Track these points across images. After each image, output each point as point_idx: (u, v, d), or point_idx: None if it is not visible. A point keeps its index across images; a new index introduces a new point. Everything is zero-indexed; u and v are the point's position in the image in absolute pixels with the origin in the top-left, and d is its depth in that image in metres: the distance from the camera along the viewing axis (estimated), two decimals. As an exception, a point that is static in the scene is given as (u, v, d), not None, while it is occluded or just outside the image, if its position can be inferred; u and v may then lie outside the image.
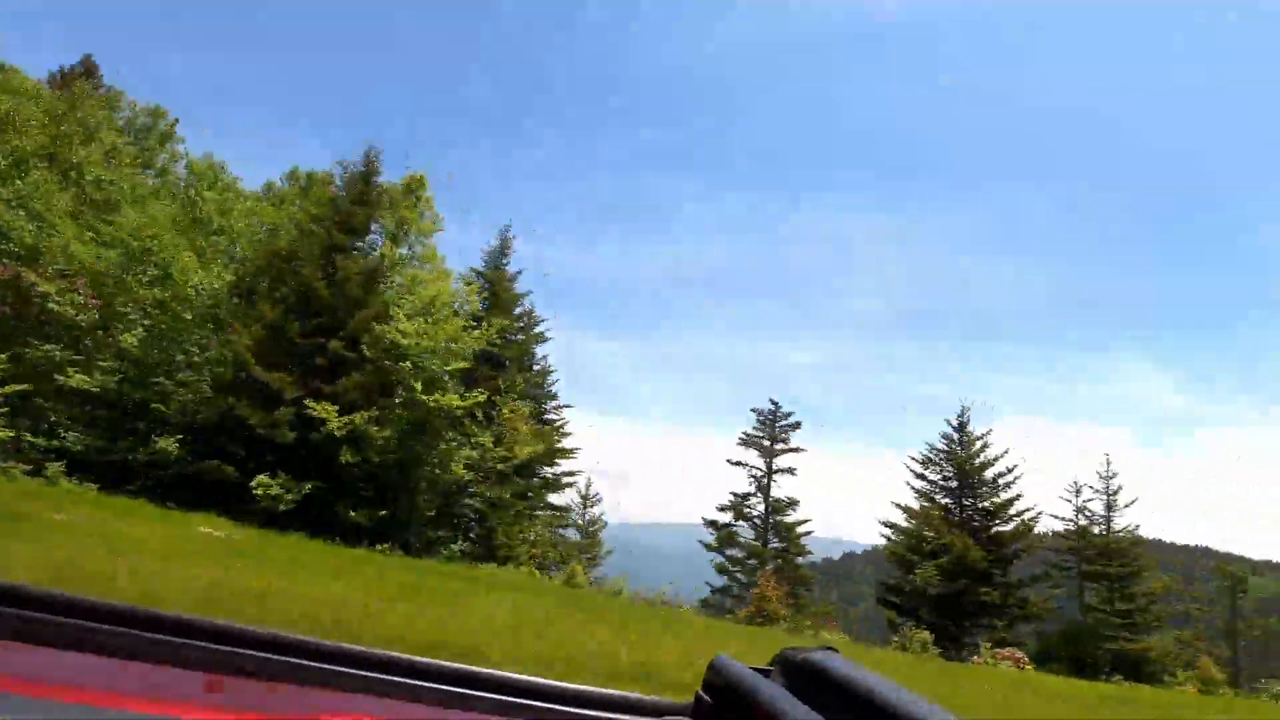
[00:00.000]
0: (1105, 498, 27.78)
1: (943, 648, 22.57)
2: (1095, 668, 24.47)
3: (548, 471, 28.50)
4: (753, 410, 34.25)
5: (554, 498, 29.49)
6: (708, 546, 33.15)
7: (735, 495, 33.44)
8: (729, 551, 32.55)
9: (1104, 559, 27.50)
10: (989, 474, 29.39)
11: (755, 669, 0.88)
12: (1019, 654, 21.37)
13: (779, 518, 32.79)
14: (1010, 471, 29.12)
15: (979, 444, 29.88)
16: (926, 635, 21.18)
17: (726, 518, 33.30)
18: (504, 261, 30.43)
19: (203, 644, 0.83)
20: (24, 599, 0.82)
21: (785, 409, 34.17)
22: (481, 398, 21.37)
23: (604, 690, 0.96)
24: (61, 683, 0.68)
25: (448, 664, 0.92)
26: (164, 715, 0.67)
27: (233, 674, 0.83)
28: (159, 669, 0.80)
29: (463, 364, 21.81)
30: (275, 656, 0.85)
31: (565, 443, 29.23)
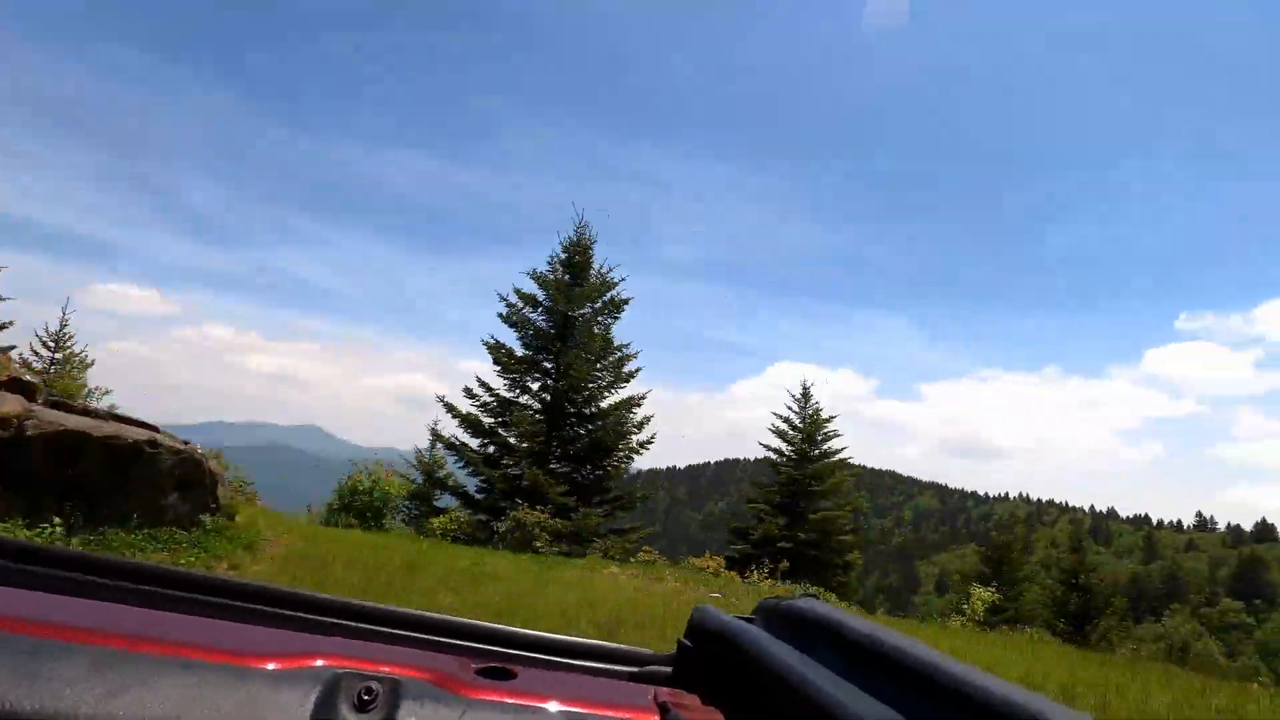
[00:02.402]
0: (804, 430, 26.31)
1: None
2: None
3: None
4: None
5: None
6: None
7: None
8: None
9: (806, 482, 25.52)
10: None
11: (738, 617, 0.91)
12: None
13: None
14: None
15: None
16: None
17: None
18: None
19: (167, 591, 0.86)
20: (18, 552, 0.86)
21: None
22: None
23: (588, 640, 0.97)
24: (58, 624, 0.69)
25: (408, 610, 0.92)
26: (127, 649, 0.67)
27: (188, 612, 0.85)
28: (125, 610, 0.82)
29: None
30: (226, 601, 0.87)
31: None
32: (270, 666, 0.70)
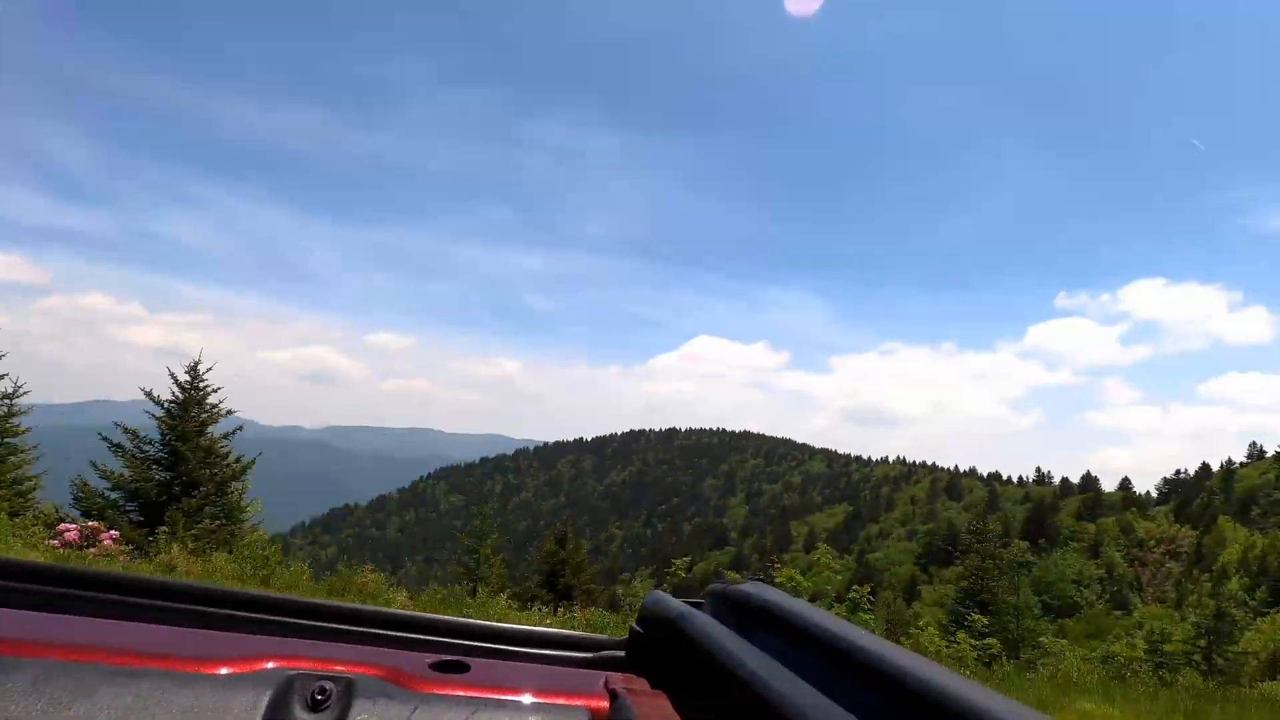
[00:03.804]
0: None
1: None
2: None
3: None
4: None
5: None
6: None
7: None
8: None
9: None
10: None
11: (688, 601, 0.93)
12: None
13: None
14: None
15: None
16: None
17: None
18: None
19: (140, 600, 0.85)
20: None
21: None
22: None
23: (544, 629, 0.98)
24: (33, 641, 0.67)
25: (364, 607, 0.92)
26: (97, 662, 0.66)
27: (144, 619, 0.83)
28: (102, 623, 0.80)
29: None
30: (176, 605, 0.86)
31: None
32: (222, 671, 0.70)
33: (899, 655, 0.61)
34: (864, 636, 0.67)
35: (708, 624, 0.82)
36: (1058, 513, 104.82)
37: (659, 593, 1.00)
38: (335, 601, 0.92)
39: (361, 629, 0.91)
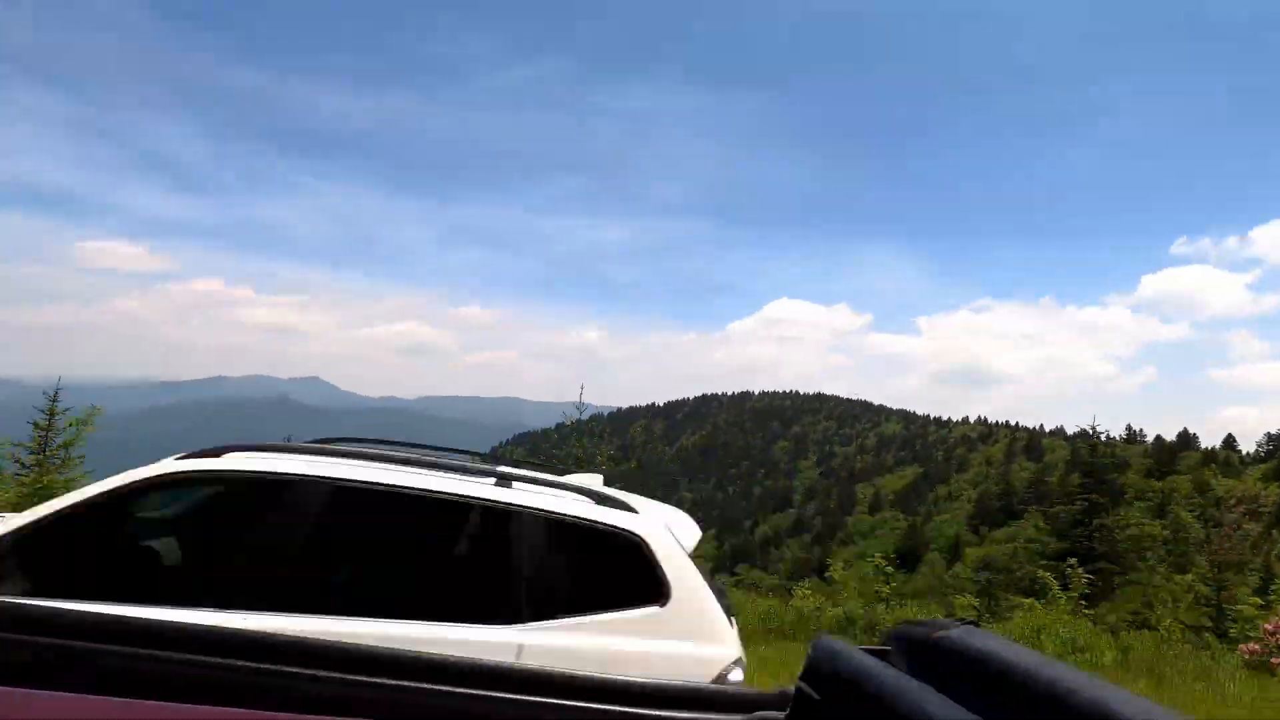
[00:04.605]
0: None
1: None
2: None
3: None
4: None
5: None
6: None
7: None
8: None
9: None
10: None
11: (868, 649, 0.75)
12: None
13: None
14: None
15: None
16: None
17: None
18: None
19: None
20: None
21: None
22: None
23: (678, 684, 0.82)
24: None
25: (470, 659, 0.79)
26: None
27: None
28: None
29: None
30: (224, 666, 0.71)
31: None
32: None
33: None
34: (1132, 702, 0.52)
35: (907, 688, 0.63)
36: (1126, 470, 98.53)
37: (830, 640, 0.81)
38: (419, 652, 0.81)
39: (460, 690, 0.78)
